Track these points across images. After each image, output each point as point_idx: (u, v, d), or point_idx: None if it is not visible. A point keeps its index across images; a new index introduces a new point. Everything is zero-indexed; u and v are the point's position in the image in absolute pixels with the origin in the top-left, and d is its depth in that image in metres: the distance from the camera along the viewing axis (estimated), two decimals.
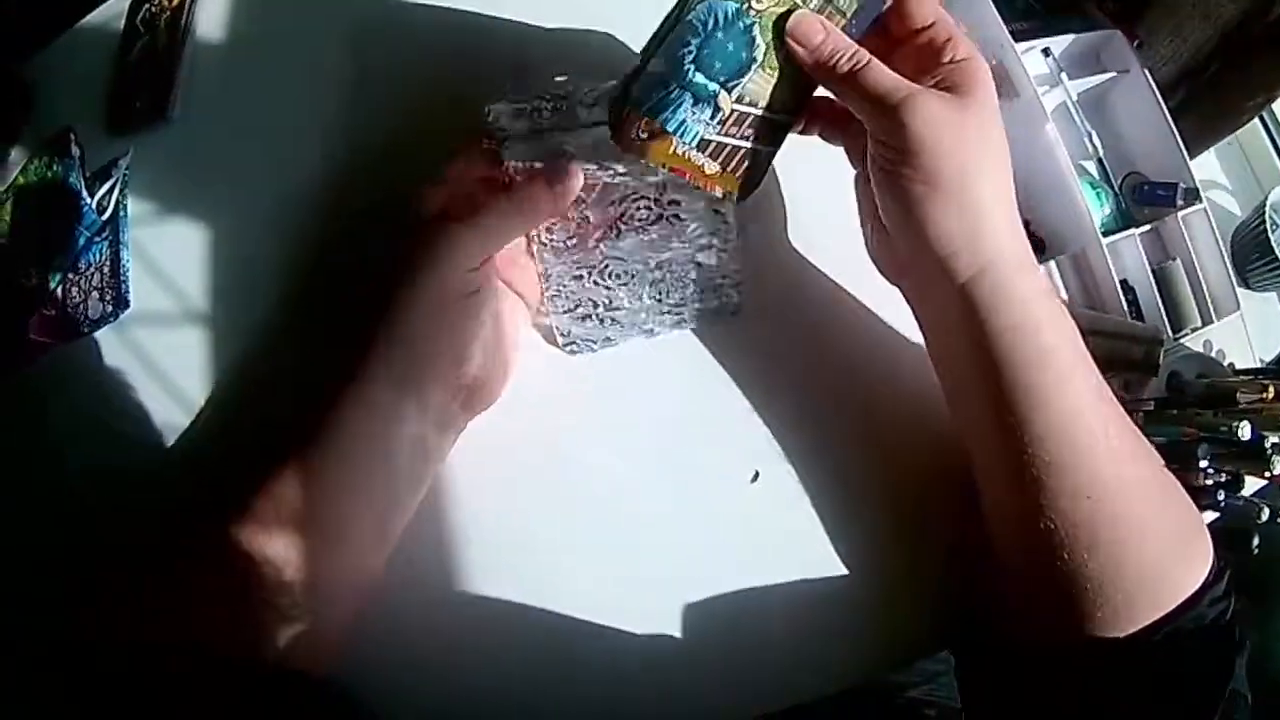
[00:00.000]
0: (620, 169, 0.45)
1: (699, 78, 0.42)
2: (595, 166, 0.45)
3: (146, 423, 0.57)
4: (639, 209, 0.48)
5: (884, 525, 0.52)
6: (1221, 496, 0.88)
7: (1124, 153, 1.34)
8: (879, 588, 0.51)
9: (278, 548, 0.44)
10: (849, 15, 0.43)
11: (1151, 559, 0.44)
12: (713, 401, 0.54)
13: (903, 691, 0.45)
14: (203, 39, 0.65)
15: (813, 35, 0.42)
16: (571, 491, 0.53)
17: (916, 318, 0.50)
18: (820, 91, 0.45)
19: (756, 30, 0.42)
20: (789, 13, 0.42)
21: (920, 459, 0.52)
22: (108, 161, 0.64)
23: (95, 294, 0.61)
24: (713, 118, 0.42)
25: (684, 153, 0.42)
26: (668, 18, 0.42)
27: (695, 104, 0.42)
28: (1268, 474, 0.90)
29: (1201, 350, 1.21)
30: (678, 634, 0.50)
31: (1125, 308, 1.19)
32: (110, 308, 0.60)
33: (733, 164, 0.43)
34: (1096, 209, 1.25)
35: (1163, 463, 0.46)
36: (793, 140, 0.46)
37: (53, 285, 0.63)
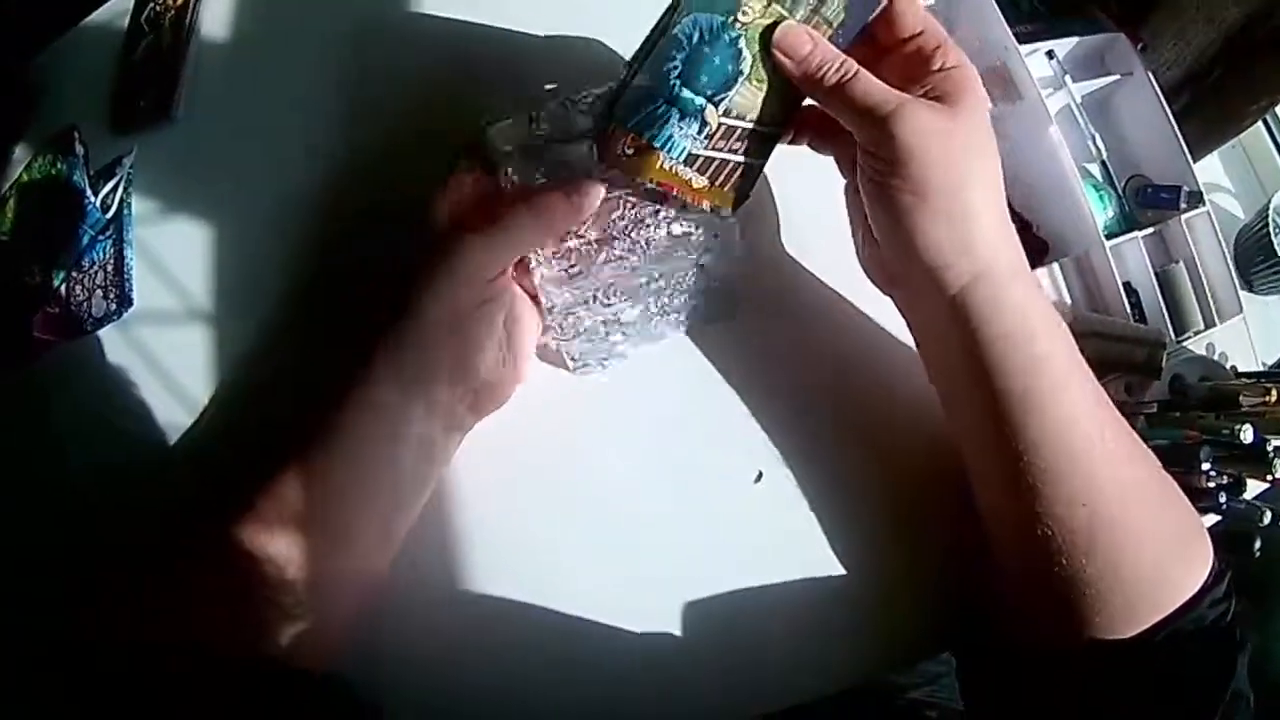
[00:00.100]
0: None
1: (685, 92, 0.41)
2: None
3: (149, 421, 0.57)
4: (642, 220, 0.47)
5: (883, 526, 0.52)
6: (1223, 499, 0.88)
7: (1127, 155, 1.34)
8: (879, 588, 0.51)
9: (281, 547, 0.44)
10: (835, 25, 0.43)
11: (1150, 562, 0.44)
12: (714, 403, 0.54)
13: (904, 693, 0.46)
14: (207, 38, 0.65)
15: (800, 47, 0.41)
16: (573, 491, 0.53)
17: (909, 326, 0.50)
18: (809, 101, 0.44)
19: (743, 43, 0.41)
20: (775, 25, 0.41)
21: (919, 460, 0.52)
22: (112, 160, 0.64)
23: (99, 292, 0.61)
24: (700, 132, 0.42)
25: (671, 168, 0.42)
26: (652, 32, 0.42)
27: (682, 119, 0.41)
28: (1269, 477, 0.91)
29: (1204, 353, 1.20)
30: (678, 634, 0.50)
31: (1128, 310, 1.19)
32: (114, 306, 0.60)
33: (721, 178, 0.43)
34: (1100, 211, 1.25)
35: (1160, 465, 0.46)
36: (784, 148, 0.46)
37: (56, 283, 0.63)
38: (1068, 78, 1.27)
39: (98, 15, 0.70)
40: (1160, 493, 0.46)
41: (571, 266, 0.47)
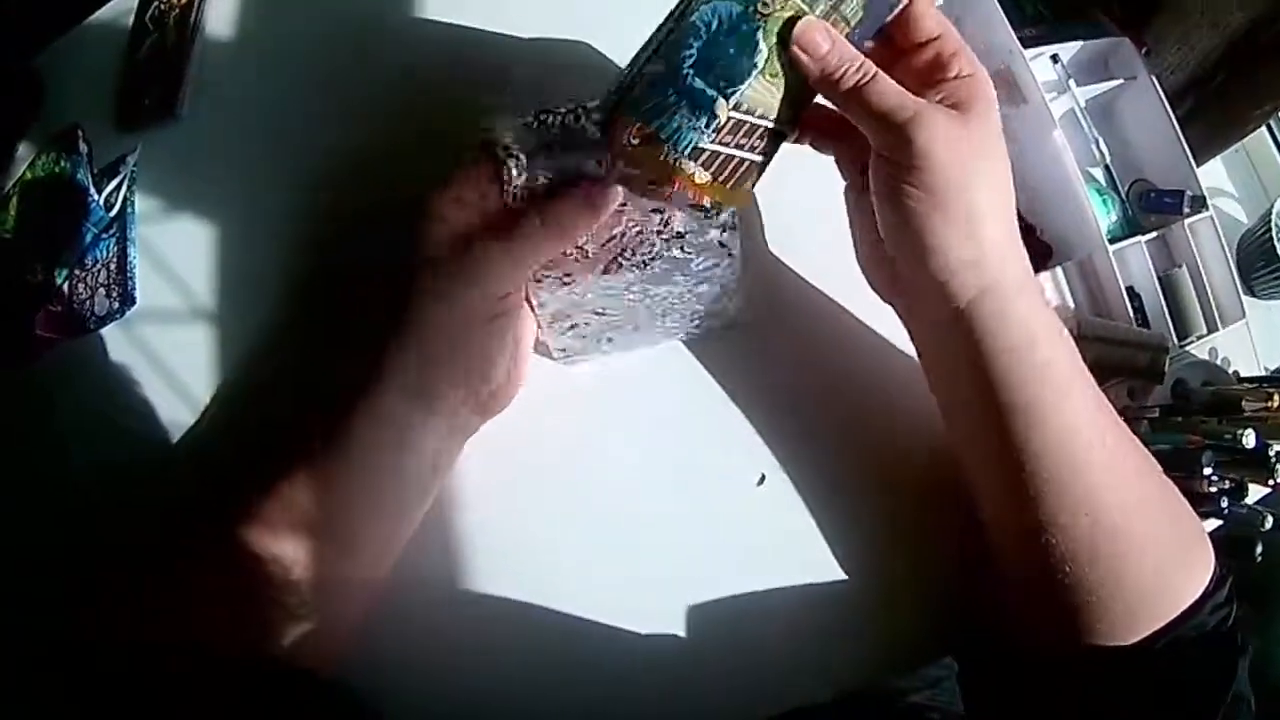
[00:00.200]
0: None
1: (697, 82, 0.39)
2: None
3: (152, 420, 0.57)
4: (641, 242, 0.46)
5: (885, 530, 0.52)
6: (1225, 504, 0.88)
7: (1131, 160, 1.34)
8: (880, 592, 0.51)
9: (286, 549, 0.44)
10: (853, 24, 0.41)
11: (1152, 570, 0.44)
12: (716, 406, 0.54)
13: (905, 696, 0.45)
14: (212, 37, 0.65)
15: (820, 44, 0.40)
16: (575, 493, 0.53)
17: (910, 335, 0.49)
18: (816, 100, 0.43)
19: (760, 35, 0.39)
20: (795, 19, 0.40)
21: (920, 465, 0.52)
22: (116, 158, 0.64)
23: (102, 290, 0.61)
24: (708, 125, 0.40)
25: (675, 161, 0.40)
26: (668, 18, 0.40)
27: (692, 110, 0.39)
28: (1271, 482, 0.91)
29: (1207, 358, 1.20)
30: (680, 637, 0.50)
31: (1131, 315, 1.19)
32: (117, 304, 0.60)
33: (725, 174, 0.41)
34: (1103, 216, 1.25)
35: (1162, 471, 0.46)
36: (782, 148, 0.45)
37: (59, 281, 0.63)
38: (1072, 82, 1.27)
39: (102, 13, 0.70)
40: (1162, 499, 0.46)
41: (567, 275, 0.47)
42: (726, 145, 0.41)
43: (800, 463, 0.53)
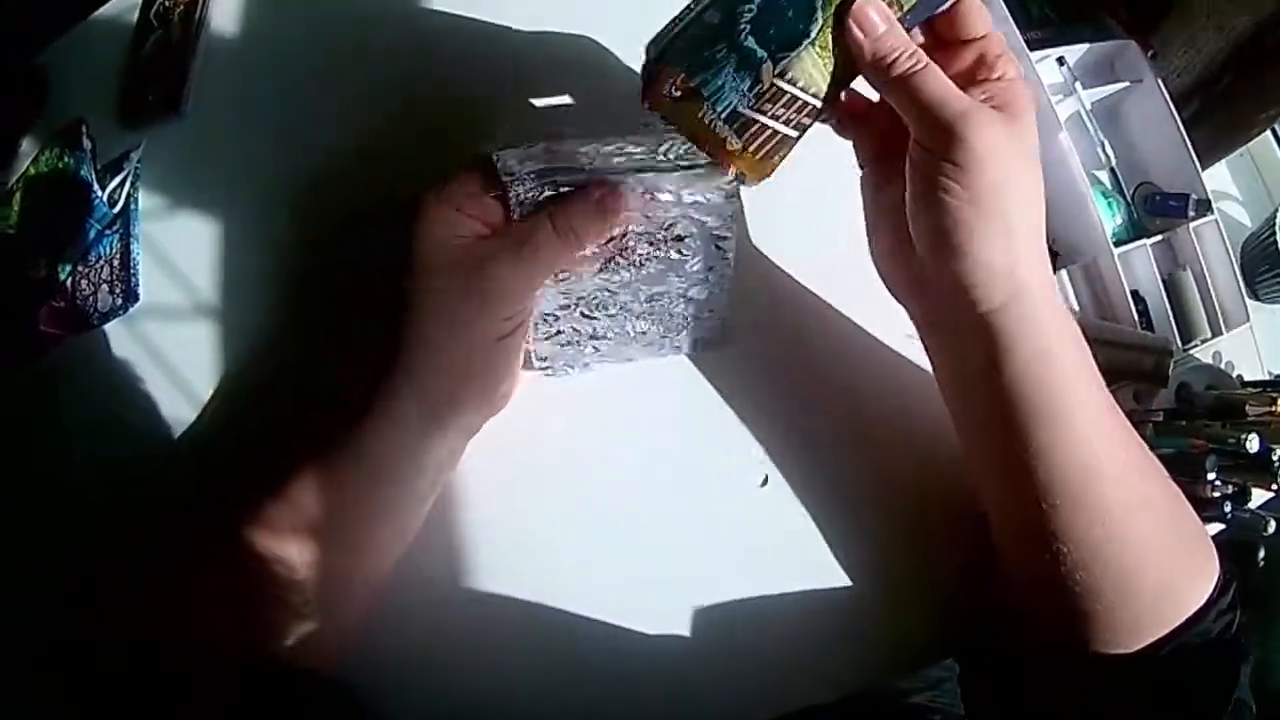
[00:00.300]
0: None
1: (750, 41, 0.38)
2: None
3: (155, 416, 0.57)
4: (640, 243, 0.46)
5: (888, 533, 0.51)
6: (1228, 509, 0.88)
7: (1136, 163, 1.34)
8: (883, 595, 0.51)
9: (289, 550, 0.44)
10: (906, 9, 0.40)
11: (1160, 578, 0.43)
12: (719, 408, 0.54)
13: (906, 697, 0.45)
14: (216, 33, 0.65)
15: (877, 23, 0.39)
16: (577, 493, 0.52)
17: (923, 339, 0.48)
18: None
19: (820, 3, 0.38)
20: None
21: (924, 468, 0.52)
22: (119, 154, 0.64)
23: (105, 287, 0.61)
24: (750, 89, 0.39)
25: (710, 121, 0.39)
26: None
27: (738, 70, 0.38)
28: (1275, 486, 0.90)
29: (1211, 362, 1.20)
30: (682, 638, 0.49)
31: (1136, 318, 1.19)
32: (120, 301, 0.60)
33: (755, 144, 0.40)
34: (1108, 218, 1.25)
35: (1169, 477, 0.46)
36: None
37: (62, 277, 0.63)
38: (1078, 84, 1.27)
39: (107, 9, 0.70)
40: (1170, 507, 0.45)
41: (563, 271, 0.46)
42: (764, 114, 0.40)
43: (803, 465, 0.53)
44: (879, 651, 0.50)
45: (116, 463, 0.57)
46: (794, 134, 0.41)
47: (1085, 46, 1.29)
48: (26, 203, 0.67)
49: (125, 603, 0.46)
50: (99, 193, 0.62)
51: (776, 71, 0.39)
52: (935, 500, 0.51)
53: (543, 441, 0.53)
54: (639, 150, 0.42)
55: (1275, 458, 0.89)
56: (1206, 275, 1.24)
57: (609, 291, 0.49)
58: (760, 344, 0.55)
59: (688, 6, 0.40)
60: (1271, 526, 0.87)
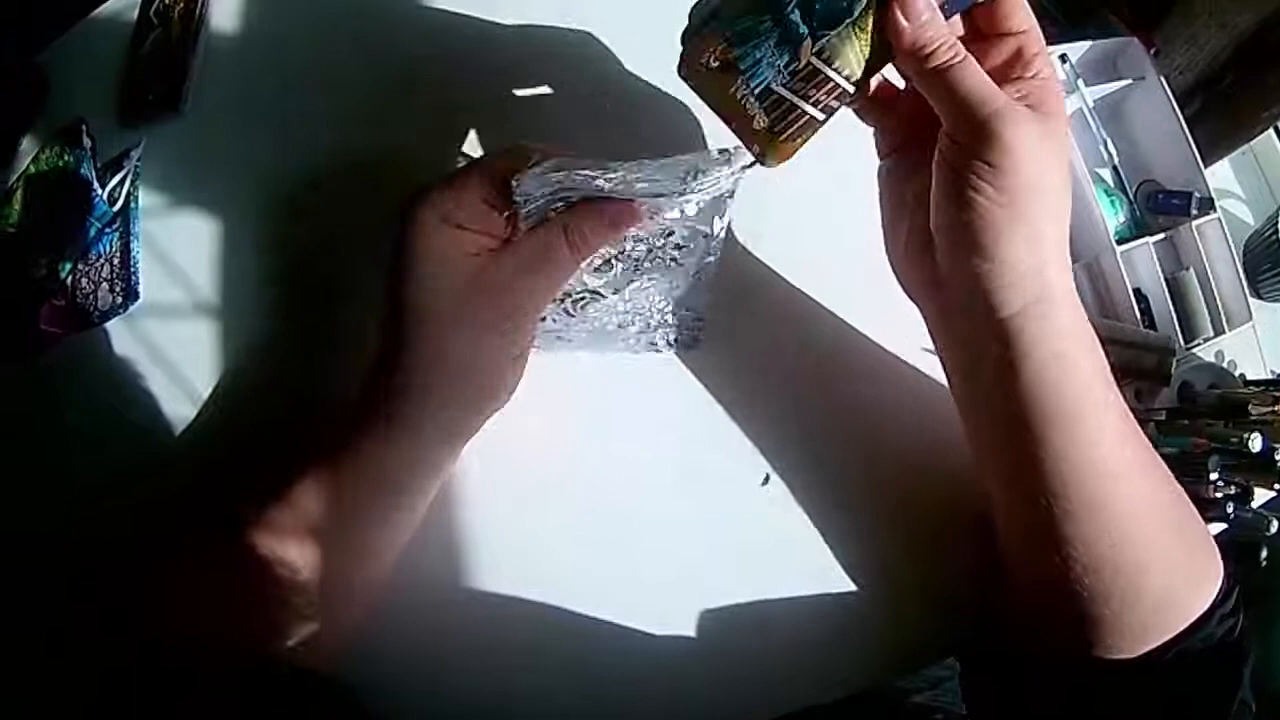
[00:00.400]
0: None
1: (795, 15, 0.38)
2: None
3: (155, 414, 0.57)
4: (638, 247, 0.46)
5: (891, 535, 0.51)
6: (1231, 508, 0.88)
7: (1139, 161, 1.33)
8: (886, 596, 0.51)
9: (291, 552, 0.44)
10: None
11: (1166, 583, 0.43)
12: (721, 409, 0.54)
13: (908, 696, 0.45)
14: (215, 31, 0.65)
15: (920, 10, 0.37)
16: (578, 496, 0.52)
17: (935, 338, 0.47)
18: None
19: None
20: None
21: (928, 470, 0.52)
22: (119, 153, 0.64)
23: (105, 285, 0.61)
24: (787, 66, 0.38)
25: (742, 97, 0.39)
26: None
27: (778, 45, 0.38)
28: (1277, 486, 0.90)
29: (1213, 360, 1.20)
30: (684, 639, 0.49)
31: (1138, 316, 1.18)
32: (120, 299, 0.60)
33: (782, 124, 0.40)
34: (1111, 217, 1.25)
35: (1174, 479, 0.45)
36: None
37: (62, 275, 0.63)
38: (1080, 82, 1.26)
39: (106, 8, 0.70)
40: (1176, 510, 0.45)
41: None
42: (795, 94, 0.39)
43: (806, 466, 0.52)
44: (882, 652, 0.50)
45: (116, 460, 0.57)
46: (821, 117, 0.40)
47: (1088, 44, 1.29)
48: (27, 201, 0.67)
49: (127, 601, 0.46)
50: (99, 191, 0.62)
51: (815, 50, 0.38)
52: (938, 501, 0.51)
53: (543, 442, 0.52)
54: (660, 178, 0.41)
55: (1278, 457, 0.89)
56: (1209, 274, 1.24)
57: (596, 293, 0.48)
58: (761, 344, 0.55)
59: None
60: (1274, 526, 0.87)
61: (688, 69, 0.40)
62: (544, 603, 0.50)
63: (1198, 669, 0.43)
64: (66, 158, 0.65)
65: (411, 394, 0.44)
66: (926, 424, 0.51)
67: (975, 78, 0.38)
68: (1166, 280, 1.22)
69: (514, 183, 0.41)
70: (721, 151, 0.41)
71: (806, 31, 0.38)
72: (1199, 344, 1.22)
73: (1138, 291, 1.21)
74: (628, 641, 0.49)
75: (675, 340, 0.53)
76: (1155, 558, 0.42)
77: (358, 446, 0.44)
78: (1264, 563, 0.88)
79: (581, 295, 0.48)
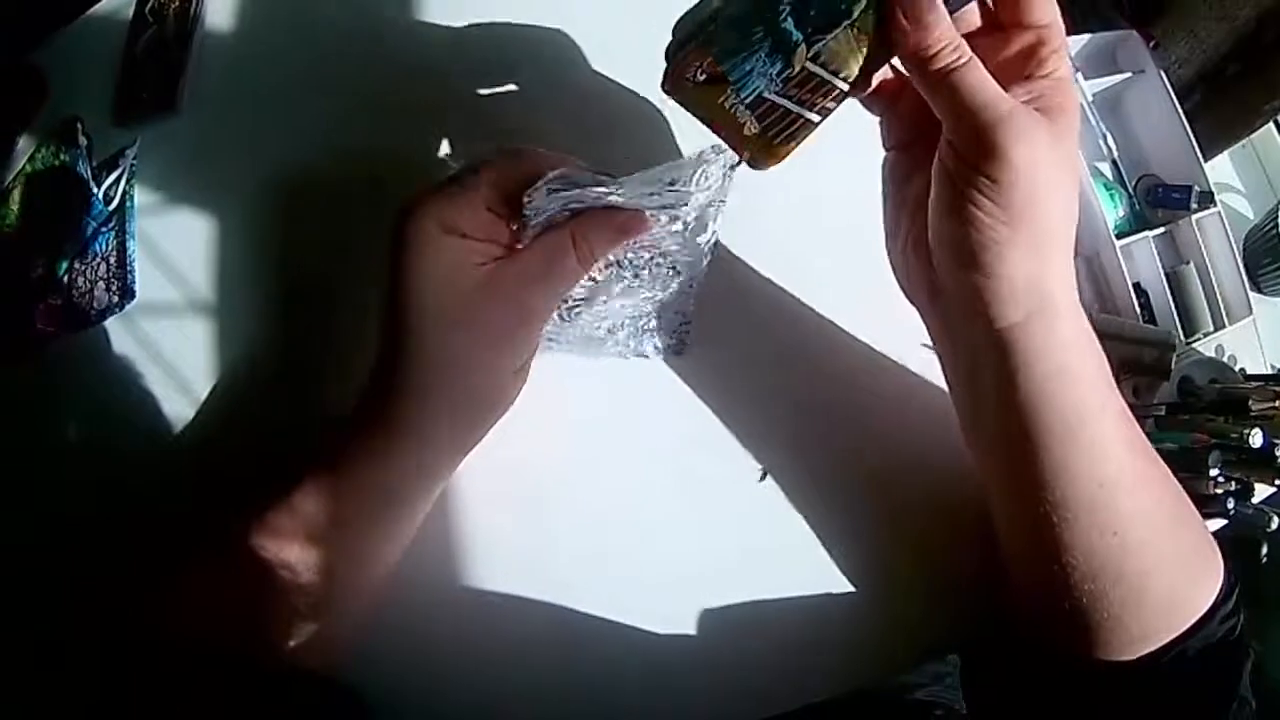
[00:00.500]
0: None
1: (788, 23, 0.36)
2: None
3: (152, 413, 0.57)
4: (639, 255, 0.46)
5: (891, 534, 0.51)
6: (1231, 504, 0.87)
7: (1139, 154, 1.33)
8: (886, 595, 0.51)
9: (291, 555, 0.43)
10: None
11: (1167, 585, 0.43)
12: (721, 413, 0.54)
13: (909, 692, 0.45)
14: (211, 29, 0.65)
15: (925, 11, 0.35)
16: (576, 498, 0.52)
17: (935, 340, 0.46)
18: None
19: None
20: None
21: (929, 470, 0.52)
22: (115, 151, 0.64)
23: (102, 284, 0.61)
24: (780, 74, 0.37)
25: (732, 107, 0.38)
26: None
27: (770, 54, 0.36)
28: (1278, 482, 0.90)
29: (1213, 355, 1.20)
30: (684, 639, 0.49)
31: (1138, 311, 1.18)
32: (116, 298, 0.60)
33: (775, 129, 0.38)
34: (1110, 211, 1.24)
35: (1174, 479, 0.45)
36: None
37: (59, 274, 0.63)
38: (1079, 75, 1.26)
39: (102, 6, 0.70)
40: (1176, 511, 0.44)
41: None
42: (789, 99, 0.38)
43: (802, 466, 0.52)
44: (880, 652, 0.49)
45: (113, 459, 0.57)
46: (816, 119, 0.39)
47: (1086, 37, 1.28)
48: (24, 201, 0.67)
49: (127, 602, 0.46)
50: (95, 190, 0.62)
51: (810, 55, 0.37)
52: (937, 501, 0.51)
53: (539, 445, 0.52)
54: (665, 186, 0.40)
55: (1279, 452, 0.88)
56: (1209, 268, 1.24)
57: (591, 299, 0.48)
58: (753, 347, 0.55)
59: None
60: (1275, 522, 0.86)
61: (672, 84, 0.38)
62: (541, 604, 0.50)
63: (1197, 670, 0.42)
64: (63, 157, 0.65)
65: (414, 405, 0.43)
66: (925, 423, 0.51)
67: (980, 83, 0.36)
68: (1166, 274, 1.21)
69: (526, 199, 0.40)
70: (715, 147, 0.40)
71: (800, 38, 0.36)
72: (1199, 339, 1.21)
73: (1137, 286, 1.21)
74: (627, 642, 0.49)
75: (664, 345, 0.53)
76: (1157, 563, 0.42)
77: (358, 455, 0.44)
78: (1265, 559, 0.88)
79: (578, 302, 0.48)
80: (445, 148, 0.57)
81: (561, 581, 0.50)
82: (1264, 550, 0.88)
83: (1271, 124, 1.33)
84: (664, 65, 0.39)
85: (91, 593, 0.51)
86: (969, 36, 0.39)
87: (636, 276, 0.47)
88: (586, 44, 0.58)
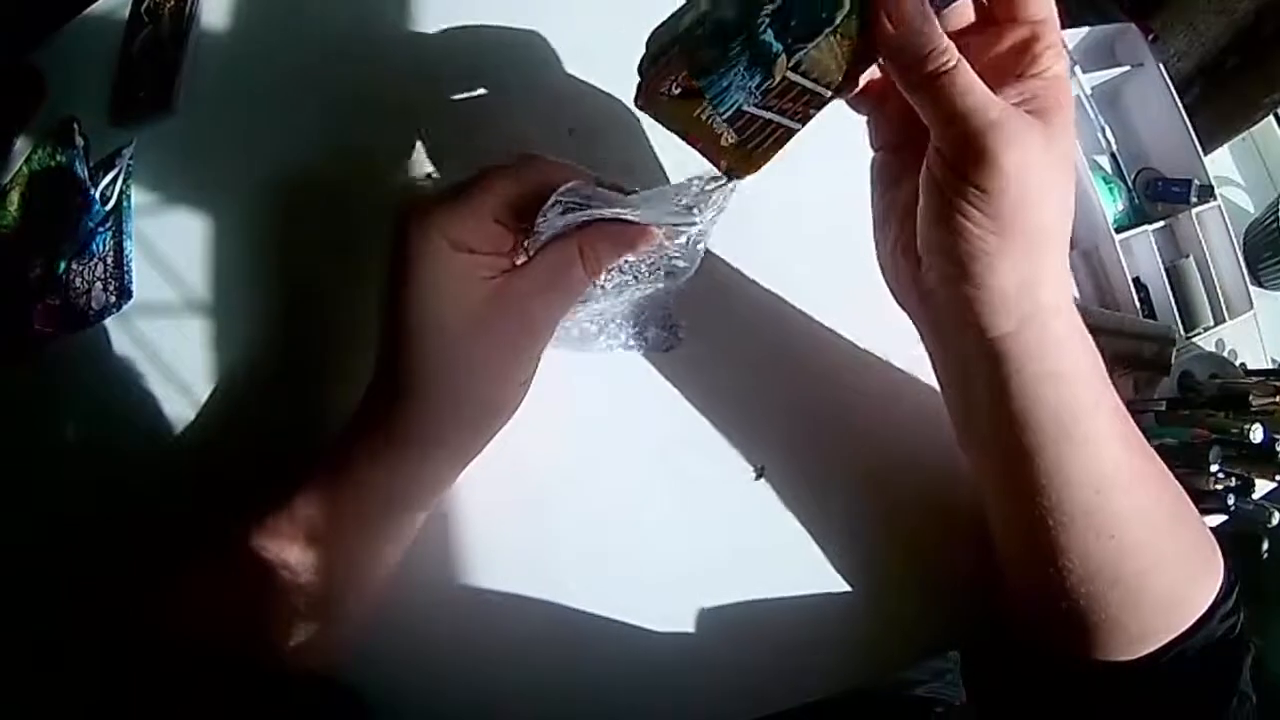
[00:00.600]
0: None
1: (768, 35, 0.34)
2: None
3: (150, 414, 0.57)
4: (640, 262, 0.45)
5: (888, 533, 0.51)
6: (1231, 500, 0.87)
7: (1138, 148, 1.32)
8: (883, 594, 0.50)
9: (291, 557, 0.43)
10: None
11: (1167, 588, 0.42)
12: (714, 411, 0.53)
13: (909, 689, 0.45)
14: (206, 28, 0.65)
15: (912, 15, 0.34)
16: (574, 498, 0.52)
17: (926, 345, 0.45)
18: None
19: None
20: None
21: (925, 469, 0.51)
22: (111, 152, 0.64)
23: (99, 284, 0.61)
24: (759, 86, 0.35)
25: (709, 119, 0.36)
26: None
27: (749, 67, 0.35)
28: (1278, 477, 0.90)
29: (1214, 350, 1.19)
30: (683, 638, 0.49)
31: (1137, 305, 1.18)
32: (113, 299, 0.60)
33: (755, 140, 0.37)
34: (1110, 204, 1.24)
35: (1171, 475, 0.45)
36: None
37: (57, 275, 0.63)
38: (1077, 68, 1.25)
39: (98, 6, 0.70)
40: (1174, 513, 0.44)
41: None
42: (769, 110, 0.36)
43: (797, 465, 0.52)
44: (878, 651, 0.50)
45: (113, 459, 0.57)
46: (797, 125, 0.38)
47: (1085, 30, 1.28)
48: (21, 202, 0.67)
49: (126, 602, 0.46)
50: (92, 190, 0.62)
51: (790, 64, 0.35)
52: (934, 500, 0.51)
53: (540, 444, 0.52)
54: (676, 204, 0.40)
55: (1279, 448, 0.88)
56: (1209, 262, 1.23)
57: (584, 300, 0.47)
58: (744, 346, 0.55)
59: (690, 3, 0.36)
60: (1276, 518, 0.86)
61: (646, 98, 0.37)
62: (539, 603, 0.50)
63: (1198, 667, 0.42)
64: (60, 157, 0.65)
65: (417, 416, 0.43)
66: (920, 422, 0.51)
67: (967, 87, 0.34)
68: (1166, 269, 1.21)
69: (540, 217, 0.40)
70: (715, 178, 0.39)
71: (780, 49, 0.35)
72: (1199, 333, 1.21)
73: (1137, 280, 1.20)
74: (625, 641, 0.49)
75: (655, 339, 0.53)
76: (1155, 564, 0.42)
77: (360, 463, 0.44)
78: (1265, 555, 0.88)
79: (575, 306, 0.48)
80: (442, 147, 0.57)
81: (559, 581, 0.50)
82: (1265, 546, 0.88)
83: (1271, 117, 1.33)
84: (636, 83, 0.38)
85: (91, 593, 0.51)
86: (962, 32, 0.38)
87: (635, 279, 0.46)
88: (584, 46, 0.58)
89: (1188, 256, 1.25)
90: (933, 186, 0.37)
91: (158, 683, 0.41)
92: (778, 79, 0.35)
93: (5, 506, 0.58)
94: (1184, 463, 0.88)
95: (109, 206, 0.62)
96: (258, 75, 0.63)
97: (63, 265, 0.63)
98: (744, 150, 0.38)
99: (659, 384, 0.54)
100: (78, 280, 0.62)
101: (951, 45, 0.34)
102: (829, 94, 0.37)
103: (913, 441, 0.51)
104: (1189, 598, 0.43)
